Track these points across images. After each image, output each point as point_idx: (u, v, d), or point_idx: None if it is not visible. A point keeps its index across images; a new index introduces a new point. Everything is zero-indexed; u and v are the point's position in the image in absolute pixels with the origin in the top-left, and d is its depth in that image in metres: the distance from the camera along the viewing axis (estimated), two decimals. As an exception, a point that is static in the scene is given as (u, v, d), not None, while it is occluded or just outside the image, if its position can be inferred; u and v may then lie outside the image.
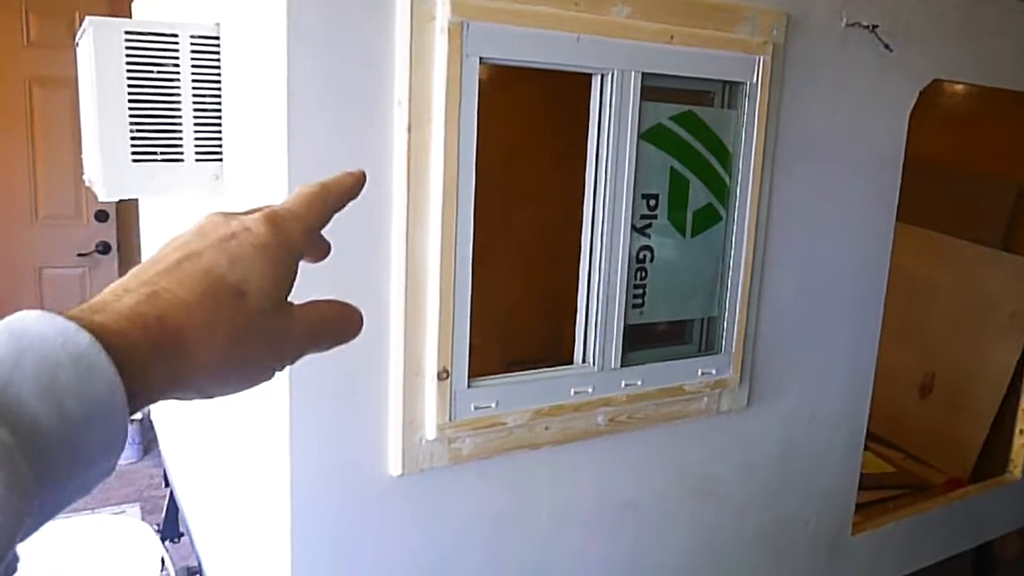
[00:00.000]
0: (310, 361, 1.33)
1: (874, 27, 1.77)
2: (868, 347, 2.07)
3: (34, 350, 0.34)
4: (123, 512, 3.06)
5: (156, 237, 2.16)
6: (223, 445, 1.79)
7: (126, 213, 3.66)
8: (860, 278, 1.99)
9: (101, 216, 3.75)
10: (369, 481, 1.40)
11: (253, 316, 0.42)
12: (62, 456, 0.34)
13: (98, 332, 0.36)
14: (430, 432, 1.40)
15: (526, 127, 2.49)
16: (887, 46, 1.79)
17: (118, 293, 0.40)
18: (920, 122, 1.99)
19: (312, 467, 1.34)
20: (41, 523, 0.34)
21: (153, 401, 0.40)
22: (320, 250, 0.49)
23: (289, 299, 0.45)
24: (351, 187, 0.49)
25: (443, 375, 1.39)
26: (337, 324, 0.47)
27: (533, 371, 1.52)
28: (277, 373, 0.45)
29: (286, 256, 0.44)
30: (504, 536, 1.58)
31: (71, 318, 0.36)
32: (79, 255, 3.77)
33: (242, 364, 0.42)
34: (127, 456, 3.77)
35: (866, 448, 2.20)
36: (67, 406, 0.34)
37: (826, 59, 1.75)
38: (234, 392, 0.43)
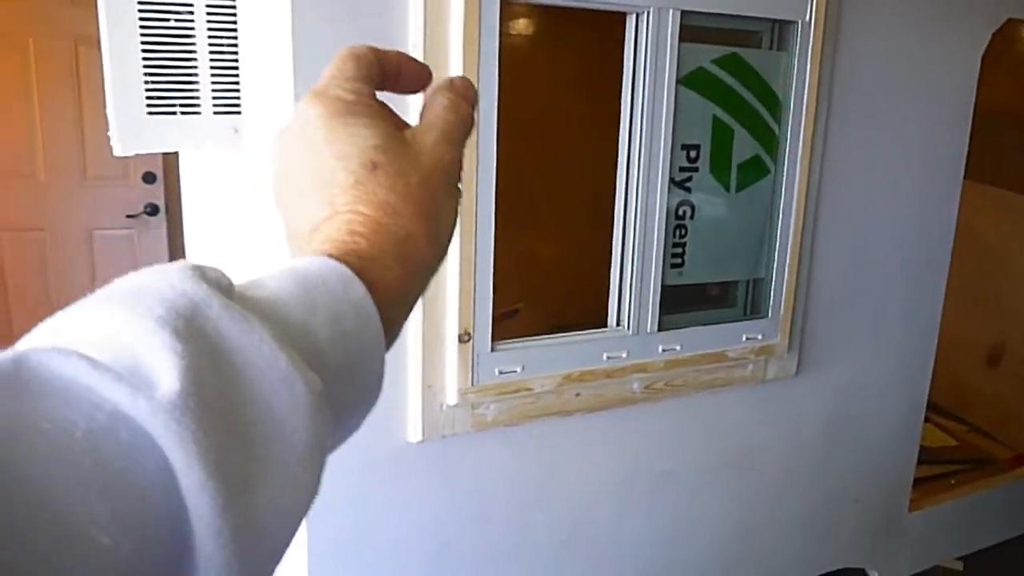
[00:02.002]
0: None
1: (944, -39, 1.61)
2: (931, 313, 1.93)
3: (322, 295, 0.35)
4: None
5: (199, 199, 2.13)
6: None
7: (173, 174, 3.65)
8: (923, 238, 1.85)
9: (149, 178, 3.76)
10: (387, 447, 1.34)
11: (399, 171, 0.41)
12: (337, 406, 0.34)
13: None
14: (451, 397, 1.33)
15: (567, 83, 2.38)
16: (958, -18, 1.63)
17: (301, 254, 0.39)
18: (993, 69, 1.83)
19: (327, 431, 1.29)
20: None
21: (395, 331, 0.39)
22: (404, 79, 0.45)
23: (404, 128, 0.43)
24: (399, 56, 0.45)
25: (464, 337, 1.31)
26: (461, 109, 0.44)
27: (561, 334, 1.44)
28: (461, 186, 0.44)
29: (356, 108, 0.41)
30: (531, 506, 1.51)
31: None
32: (128, 216, 3.79)
33: (434, 207, 0.41)
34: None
35: (927, 420, 2.08)
36: (351, 354, 0.35)
37: (889, -4, 1.60)
38: (452, 230, 0.43)
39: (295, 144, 0.42)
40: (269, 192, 0.44)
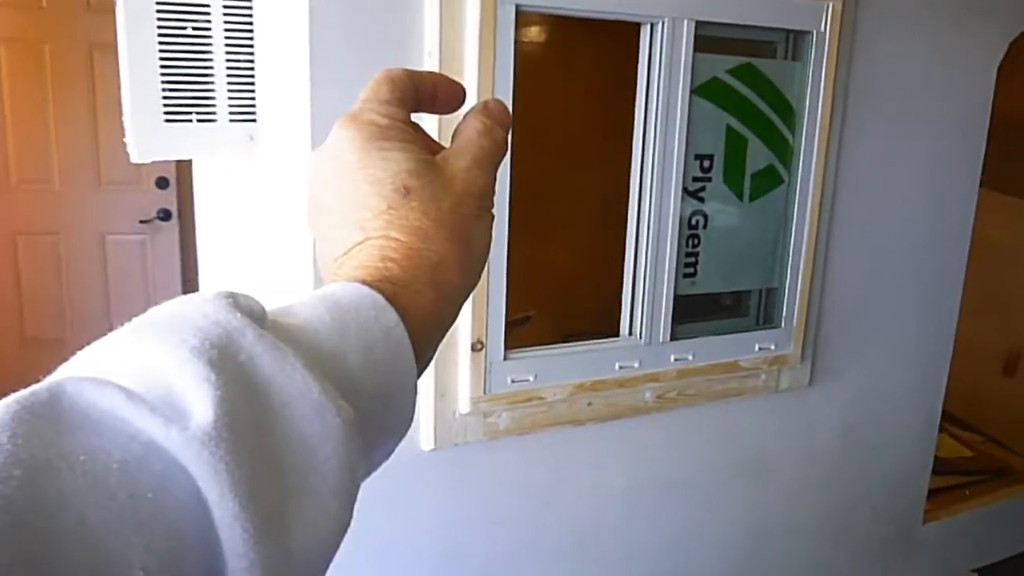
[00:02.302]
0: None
1: (960, -30, 1.61)
2: (945, 322, 1.92)
3: (354, 322, 0.34)
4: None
5: (212, 205, 2.14)
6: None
7: (186, 180, 3.67)
8: (938, 247, 1.84)
9: (162, 183, 3.77)
10: (400, 455, 1.33)
11: (431, 196, 0.40)
12: (370, 434, 0.34)
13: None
14: (464, 406, 1.33)
15: (581, 91, 2.38)
16: (974, -9, 1.62)
17: (333, 277, 0.40)
18: (1009, 79, 1.82)
19: (340, 439, 1.29)
20: None
21: (427, 358, 0.39)
22: (439, 101, 0.45)
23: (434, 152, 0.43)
24: (434, 77, 0.45)
25: (477, 346, 1.31)
26: (494, 133, 0.44)
27: (574, 343, 1.43)
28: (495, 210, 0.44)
29: (389, 133, 0.41)
30: (543, 515, 1.51)
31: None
32: (140, 222, 3.81)
33: (467, 231, 0.41)
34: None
35: (942, 430, 2.06)
36: (383, 382, 0.34)
37: (904, 4, 1.59)
38: (486, 255, 0.43)
39: (328, 168, 0.41)
40: (302, 215, 0.44)
